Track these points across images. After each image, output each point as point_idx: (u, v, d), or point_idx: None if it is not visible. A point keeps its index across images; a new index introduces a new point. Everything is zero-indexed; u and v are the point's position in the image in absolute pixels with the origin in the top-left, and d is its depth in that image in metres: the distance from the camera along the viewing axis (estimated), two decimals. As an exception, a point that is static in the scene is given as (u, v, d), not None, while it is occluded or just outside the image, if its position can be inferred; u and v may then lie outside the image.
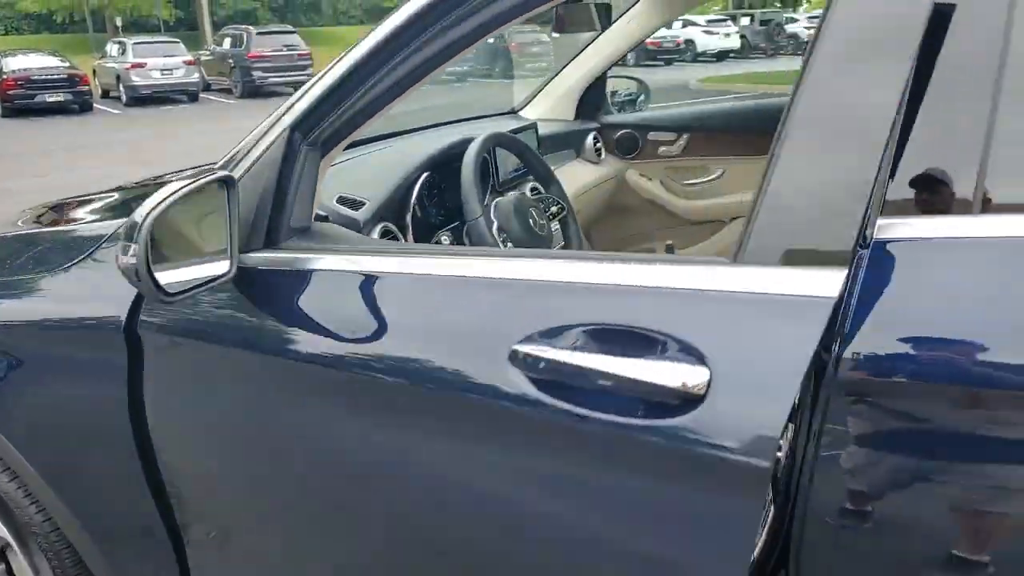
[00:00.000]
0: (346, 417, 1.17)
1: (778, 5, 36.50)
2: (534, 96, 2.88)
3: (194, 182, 1.13)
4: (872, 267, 0.84)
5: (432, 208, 1.83)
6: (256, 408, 1.27)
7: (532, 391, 0.96)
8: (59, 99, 17.27)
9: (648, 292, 0.95)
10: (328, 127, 1.28)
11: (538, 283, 1.04)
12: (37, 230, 1.80)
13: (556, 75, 2.84)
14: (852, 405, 0.85)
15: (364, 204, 1.65)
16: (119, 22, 29.62)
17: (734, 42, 27.13)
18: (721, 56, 27.10)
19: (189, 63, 19.78)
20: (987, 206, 0.83)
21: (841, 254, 0.84)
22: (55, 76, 17.39)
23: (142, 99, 19.00)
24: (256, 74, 20.44)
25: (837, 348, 0.83)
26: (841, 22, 0.89)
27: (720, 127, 2.66)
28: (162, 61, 19.29)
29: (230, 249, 1.16)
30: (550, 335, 0.97)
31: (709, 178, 2.67)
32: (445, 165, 1.91)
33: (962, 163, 0.83)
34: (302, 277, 1.21)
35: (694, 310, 0.92)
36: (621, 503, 0.95)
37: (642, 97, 3.10)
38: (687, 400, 0.87)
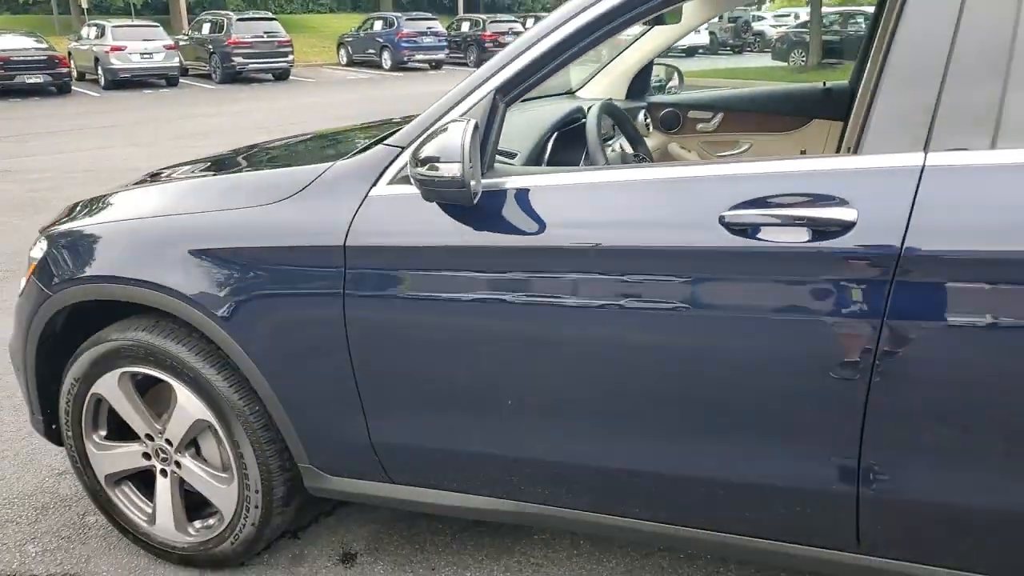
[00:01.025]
0: (576, 300, 1.55)
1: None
2: (590, 79, 3.26)
3: (464, 121, 1.51)
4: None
5: (560, 157, 2.22)
6: (470, 304, 1.63)
7: (739, 241, 1.41)
8: (38, 80, 17.16)
9: (810, 172, 1.41)
10: (518, 91, 1.66)
11: (730, 176, 1.47)
12: (241, 173, 2.14)
13: (611, 61, 3.23)
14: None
15: (516, 155, 2.02)
16: (84, 4, 29.09)
17: (704, 38, 27.71)
18: (691, 51, 27.67)
19: (169, 47, 19.70)
20: None
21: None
22: (35, 58, 17.25)
23: (120, 83, 18.91)
24: (236, 60, 20.43)
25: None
26: None
27: (749, 108, 3.07)
28: (142, 45, 19.18)
29: (476, 173, 1.51)
30: (747, 205, 1.41)
31: (738, 151, 3.08)
32: (566, 127, 2.32)
33: None
34: (523, 193, 1.59)
35: (843, 179, 1.36)
36: (806, 309, 1.40)
37: (675, 81, 3.51)
38: (846, 227, 1.33)
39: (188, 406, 2.01)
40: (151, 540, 2.24)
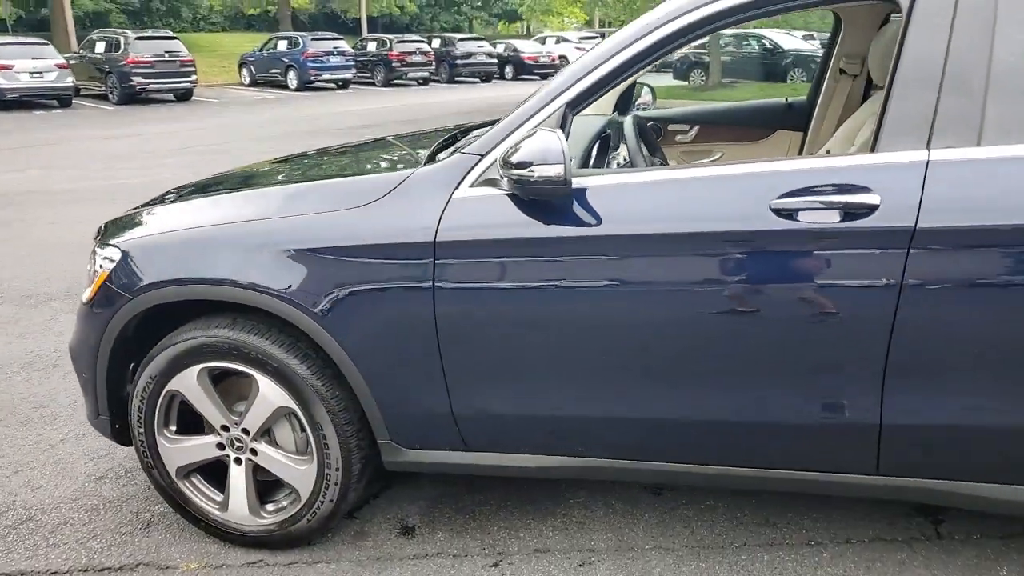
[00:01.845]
0: (650, 279, 1.87)
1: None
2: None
3: (552, 130, 1.82)
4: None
5: (601, 160, 2.53)
6: (544, 288, 1.92)
7: (784, 221, 1.77)
8: (-78, 101, 16.19)
9: (840, 168, 1.80)
10: (583, 105, 1.97)
11: (775, 171, 1.83)
12: (323, 180, 2.39)
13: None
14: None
15: (572, 159, 2.32)
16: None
17: (605, 58, 28.79)
18: (593, 71, 28.70)
19: (61, 66, 18.86)
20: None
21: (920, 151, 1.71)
22: (-82, 77, 16.27)
23: (7, 103, 18.01)
24: (136, 80, 19.77)
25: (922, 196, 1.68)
26: None
27: (721, 121, 3.49)
28: (31, 63, 18.30)
29: (564, 167, 1.80)
30: (791, 194, 1.77)
31: (712, 158, 3.49)
32: (604, 135, 2.65)
33: None
34: (601, 190, 1.90)
35: (867, 172, 1.74)
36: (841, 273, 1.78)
37: (647, 97, 3.90)
38: (872, 208, 1.71)
39: (271, 395, 2.20)
40: (223, 527, 2.39)
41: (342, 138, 12.62)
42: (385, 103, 19.56)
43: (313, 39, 23.87)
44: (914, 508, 2.43)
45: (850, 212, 1.73)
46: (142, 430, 2.36)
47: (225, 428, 2.30)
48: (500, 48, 27.97)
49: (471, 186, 2.00)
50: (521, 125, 1.99)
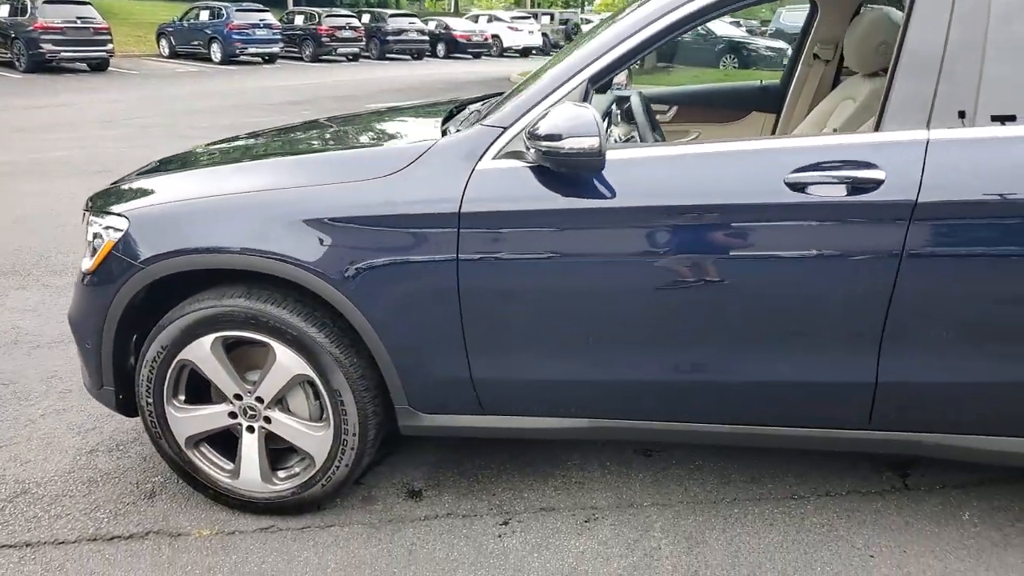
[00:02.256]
0: (670, 247, 1.99)
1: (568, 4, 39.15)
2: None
3: (581, 104, 1.90)
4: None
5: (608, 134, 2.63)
6: (569, 255, 2.02)
7: (796, 195, 1.91)
8: None
9: (848, 145, 1.94)
10: (604, 80, 2.07)
11: (789, 148, 1.97)
12: (341, 150, 2.42)
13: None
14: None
15: None
16: None
17: (537, 39, 28.96)
18: (526, 52, 28.82)
19: (-40, 31, 17.82)
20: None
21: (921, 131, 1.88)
22: None
23: (-97, 69, 16.90)
24: (46, 47, 18.76)
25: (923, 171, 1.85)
26: None
27: (698, 103, 3.63)
28: (-73, 28, 17.25)
29: (600, 140, 1.89)
30: (804, 169, 1.91)
31: (689, 138, 3.65)
32: (610, 111, 2.75)
33: None
34: (626, 163, 2.00)
35: (873, 150, 1.89)
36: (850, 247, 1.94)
37: (624, 79, 4.03)
38: (876, 183, 1.87)
39: (288, 363, 2.23)
40: (233, 494, 2.42)
41: (277, 114, 12.38)
42: (316, 79, 19.17)
43: (237, 10, 23.09)
44: (883, 463, 2.65)
45: (858, 187, 1.89)
46: (151, 400, 2.35)
47: (238, 397, 2.32)
48: (432, 26, 27.70)
49: (494, 158, 2.08)
50: (544, 98, 2.07)
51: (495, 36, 28.44)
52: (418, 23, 27.07)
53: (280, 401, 2.34)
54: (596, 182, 1.99)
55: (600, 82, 2.08)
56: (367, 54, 26.03)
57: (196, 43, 23.54)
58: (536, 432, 2.30)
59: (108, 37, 19.81)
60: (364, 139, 2.74)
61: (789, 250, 1.96)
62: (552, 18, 30.67)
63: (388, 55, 26.32)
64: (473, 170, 2.07)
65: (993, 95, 1.87)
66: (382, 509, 2.48)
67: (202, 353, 2.27)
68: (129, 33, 27.70)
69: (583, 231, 2.03)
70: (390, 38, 26.07)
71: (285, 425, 2.33)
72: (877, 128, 1.94)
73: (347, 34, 24.64)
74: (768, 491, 2.53)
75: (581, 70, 2.06)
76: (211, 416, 2.37)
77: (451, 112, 2.79)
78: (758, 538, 2.30)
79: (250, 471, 2.39)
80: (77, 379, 3.33)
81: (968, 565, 2.17)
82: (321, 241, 2.12)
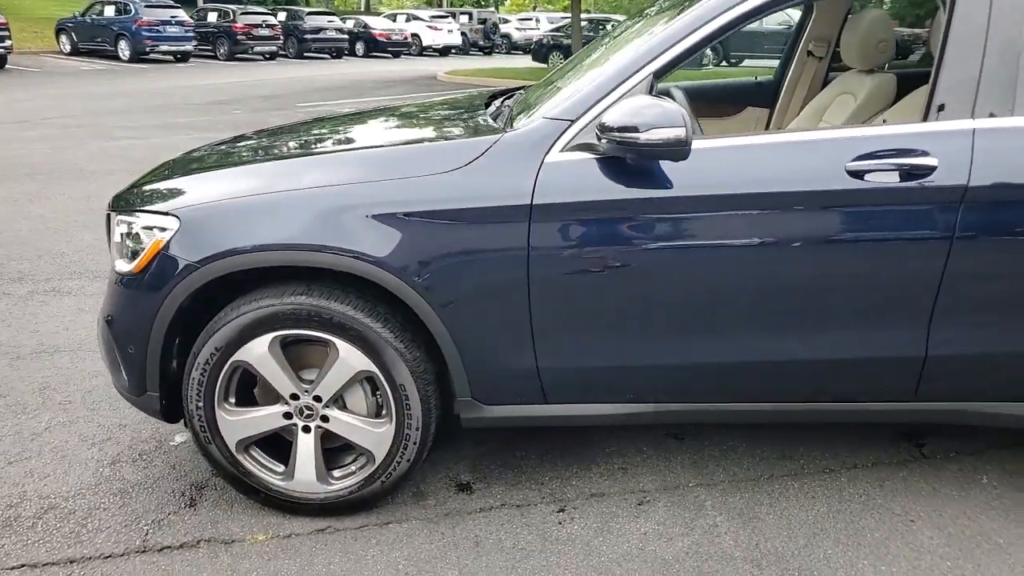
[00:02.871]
0: (743, 233, 2.09)
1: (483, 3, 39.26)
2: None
3: (657, 96, 1.95)
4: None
5: None
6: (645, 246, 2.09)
7: (857, 182, 2.03)
8: None
9: (904, 135, 2.07)
10: (667, 73, 2.14)
11: (848, 138, 2.10)
12: (406, 145, 2.45)
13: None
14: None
15: None
16: None
17: (456, 38, 28.92)
18: (445, 51, 28.76)
19: None
20: None
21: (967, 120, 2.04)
22: None
23: None
24: (-62, 43, 17.65)
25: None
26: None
27: (696, 97, 3.66)
28: None
29: (688, 130, 1.96)
30: (870, 157, 2.03)
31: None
32: None
33: None
34: (698, 154, 2.05)
35: (926, 139, 2.03)
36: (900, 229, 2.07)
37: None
38: (930, 169, 2.01)
39: (351, 359, 2.21)
40: (286, 497, 2.38)
41: (205, 114, 11.98)
42: (237, 78, 18.62)
43: (146, 5, 22.19)
44: (899, 435, 2.82)
45: (913, 173, 2.02)
46: (201, 404, 2.29)
47: (294, 397, 2.28)
48: (350, 24, 27.29)
49: (562, 150, 2.11)
50: (611, 92, 2.12)
51: (415, 35, 28.27)
52: (337, 21, 26.65)
53: (337, 399, 2.31)
54: (673, 171, 2.06)
55: (663, 76, 2.14)
56: (284, 53, 25.44)
57: (101, 40, 22.50)
58: (598, 419, 2.35)
59: (7, 33, 18.73)
60: (414, 134, 2.73)
61: (851, 233, 2.08)
62: (471, 17, 30.64)
63: (306, 54, 25.81)
64: (542, 163, 2.10)
65: None
66: (435, 504, 2.48)
67: (259, 353, 2.22)
68: (25, 28, 26.18)
69: (658, 220, 2.09)
70: (308, 36, 25.57)
71: (344, 423, 2.31)
72: (925, 118, 2.07)
73: (264, 32, 24.01)
74: (801, 467, 2.66)
75: (647, 64, 2.12)
76: (265, 418, 2.32)
77: (487, 104, 2.82)
78: (805, 511, 2.42)
79: (305, 472, 2.35)
80: (73, 389, 3.20)
81: (999, 523, 2.35)
82: (390, 236, 2.11)
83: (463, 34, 29.36)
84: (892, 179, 2.04)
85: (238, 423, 2.32)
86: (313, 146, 2.60)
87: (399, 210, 2.11)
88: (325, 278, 2.23)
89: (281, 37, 24.77)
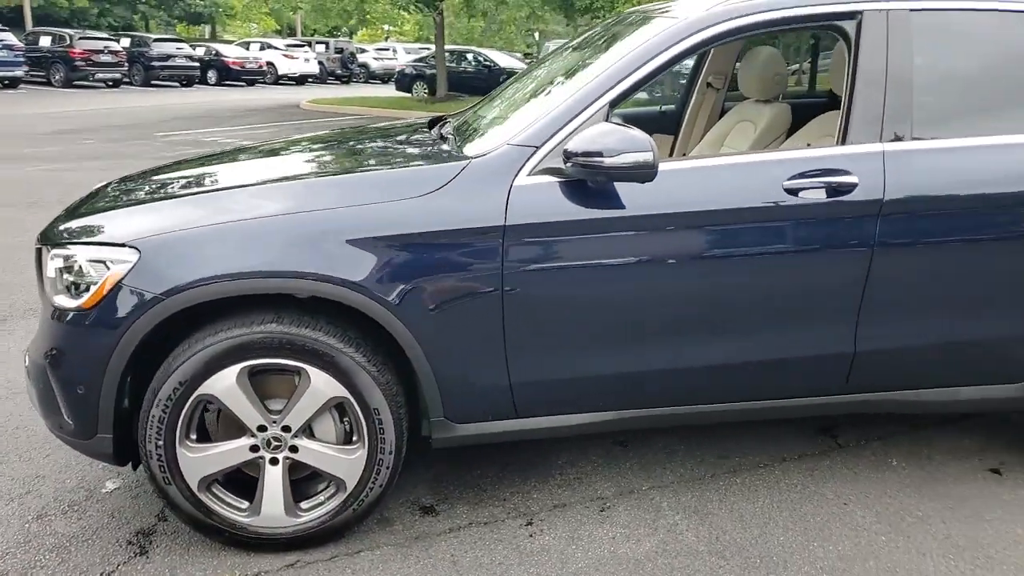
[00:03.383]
0: (694, 247, 2.27)
1: (340, 33, 38.86)
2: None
3: (616, 123, 2.09)
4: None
5: None
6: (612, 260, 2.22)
7: (791, 198, 2.25)
8: None
9: (829, 156, 2.33)
10: (622, 102, 2.30)
11: (784, 159, 2.33)
12: (370, 171, 2.47)
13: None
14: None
15: None
16: None
17: (314, 67, 28.49)
18: (302, 80, 28.24)
19: None
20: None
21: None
22: None
23: None
24: None
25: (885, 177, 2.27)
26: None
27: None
28: None
29: (654, 154, 2.10)
30: (802, 176, 2.25)
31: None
32: None
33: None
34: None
35: (847, 160, 2.28)
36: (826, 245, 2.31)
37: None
38: (853, 186, 2.26)
39: (323, 386, 2.19)
40: (252, 533, 2.30)
41: (53, 144, 11.14)
42: (80, 106, 17.48)
43: (-31, 29, 20.43)
44: (815, 429, 3.09)
45: (838, 189, 2.27)
46: (161, 443, 2.18)
47: (261, 428, 2.23)
48: (201, 51, 26.27)
49: (529, 174, 2.21)
50: (572, 119, 2.24)
51: (270, 63, 27.59)
52: (187, 48, 25.58)
53: (305, 429, 2.27)
54: (633, 193, 2.20)
55: (618, 105, 2.30)
56: (129, 80, 24.12)
57: (-87, 65, 20.44)
58: (564, 430, 2.44)
59: None
60: (378, 160, 2.74)
61: (789, 243, 2.30)
62: (327, 46, 30.28)
63: (154, 82, 24.58)
64: (511, 186, 2.19)
65: (921, 117, 2.35)
66: (403, 528, 2.48)
67: (226, 385, 2.16)
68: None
69: (620, 237, 2.23)
70: (156, 63, 24.37)
71: (314, 452, 2.27)
72: (843, 142, 2.33)
73: (106, 58, 22.65)
74: (737, 464, 2.86)
75: (603, 94, 2.26)
76: (231, 452, 2.24)
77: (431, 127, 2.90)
78: (751, 503, 2.61)
79: (273, 505, 2.28)
80: (-25, 442, 2.92)
81: (915, 499, 2.63)
82: (368, 260, 2.12)
83: (320, 63, 28.96)
84: (821, 195, 2.28)
85: (200, 460, 2.23)
86: (267, 174, 2.55)
87: (376, 234, 2.13)
88: (291, 305, 2.20)
89: (125, 64, 23.47)
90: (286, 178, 2.47)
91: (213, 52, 26.65)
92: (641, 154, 2.08)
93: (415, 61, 21.92)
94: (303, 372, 2.18)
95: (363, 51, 31.67)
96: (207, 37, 45.49)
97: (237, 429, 2.25)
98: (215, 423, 2.31)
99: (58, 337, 2.20)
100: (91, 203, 2.52)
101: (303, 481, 2.38)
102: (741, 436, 3.02)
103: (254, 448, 2.25)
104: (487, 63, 20.27)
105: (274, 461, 2.26)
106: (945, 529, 2.48)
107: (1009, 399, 2.55)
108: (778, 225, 2.30)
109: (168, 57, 24.58)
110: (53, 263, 2.24)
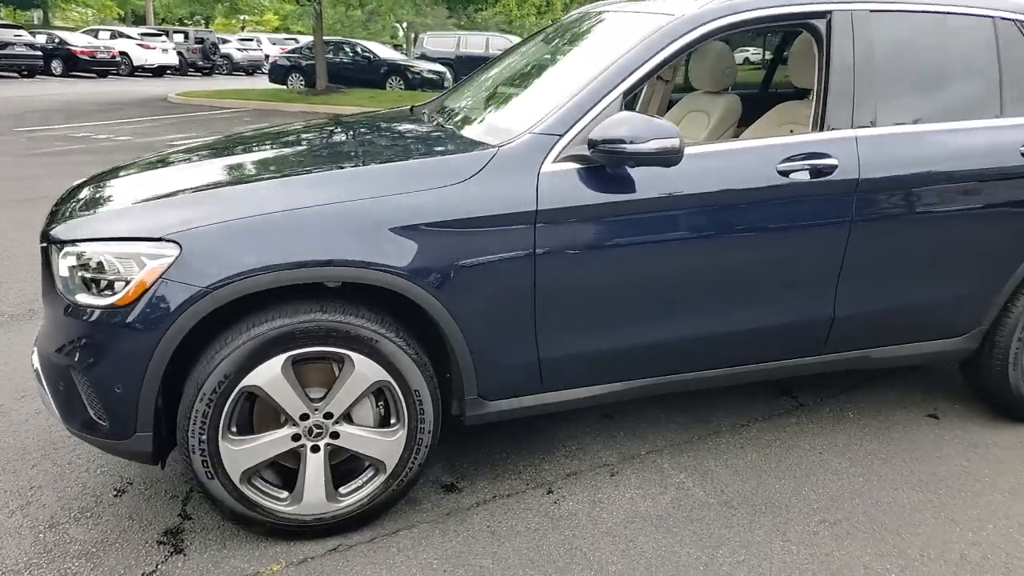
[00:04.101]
0: (707, 225, 2.47)
1: (195, 22, 36.98)
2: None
3: (636, 113, 2.26)
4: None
5: None
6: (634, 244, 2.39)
7: (784, 179, 2.50)
8: None
9: (813, 141, 2.60)
10: (634, 91, 2.47)
11: (778, 144, 2.57)
12: (405, 160, 2.51)
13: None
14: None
15: None
16: None
17: (172, 58, 26.98)
18: (160, 71, 26.71)
19: None
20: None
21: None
22: None
23: None
24: None
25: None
26: None
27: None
28: None
29: (681, 140, 2.26)
30: (792, 159, 2.50)
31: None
32: None
33: None
34: None
35: (828, 144, 2.57)
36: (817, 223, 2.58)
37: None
38: (833, 167, 2.55)
39: (367, 371, 2.24)
40: (294, 521, 2.32)
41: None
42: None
43: None
44: (776, 392, 3.41)
45: (822, 171, 2.55)
46: (204, 437, 2.16)
47: (303, 417, 2.25)
48: (42, 39, 24.26)
49: (554, 161, 2.35)
50: (589, 110, 2.39)
51: (123, 53, 25.88)
52: (27, 36, 23.54)
53: (345, 414, 2.31)
54: (651, 177, 2.38)
55: (631, 94, 2.47)
56: (-41, 70, 21.98)
57: None
58: (581, 401, 2.58)
59: None
60: (401, 149, 2.80)
61: (785, 220, 2.56)
62: (187, 36, 28.68)
63: (-10, 72, 22.51)
64: (539, 173, 2.32)
65: (882, 106, 2.67)
66: (431, 507, 2.56)
67: (270, 376, 2.17)
68: None
69: (640, 217, 2.40)
70: (-8, 52, 22.31)
71: (356, 436, 2.31)
72: (821, 129, 2.62)
73: (20, 49, 20.47)
74: (717, 427, 3.12)
75: (617, 85, 2.42)
76: (274, 442, 2.25)
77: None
78: (742, 459, 2.87)
79: (314, 493, 2.31)
80: (-56, 457, 2.74)
81: (877, 444, 2.99)
82: (410, 247, 2.19)
83: (179, 54, 27.44)
84: (806, 176, 2.55)
85: (244, 452, 2.23)
86: (290, 165, 2.55)
87: (418, 222, 2.21)
88: (328, 294, 2.24)
89: (-46, 53, 21.38)
90: (318, 169, 2.48)
91: (57, 40, 24.66)
92: (669, 140, 2.26)
93: (289, 52, 21.21)
94: (346, 358, 2.22)
95: (225, 41, 30.27)
96: (37, 23, 41.93)
97: (272, 420, 2.26)
98: (247, 415, 2.30)
99: (85, 336, 2.13)
100: (93, 200, 2.43)
101: (336, 468, 2.41)
102: (713, 402, 3.29)
103: (295, 437, 2.26)
104: (366, 54, 19.93)
105: (315, 448, 2.29)
106: (908, 467, 2.83)
107: (956, 350, 2.95)
108: (775, 203, 2.55)
109: (5, 45, 22.51)
110: (65, 261, 2.17)
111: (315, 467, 2.30)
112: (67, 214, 2.36)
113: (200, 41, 28.34)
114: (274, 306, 2.18)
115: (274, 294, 2.17)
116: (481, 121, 2.75)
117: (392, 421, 2.36)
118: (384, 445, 2.34)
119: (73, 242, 2.18)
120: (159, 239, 2.10)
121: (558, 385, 2.53)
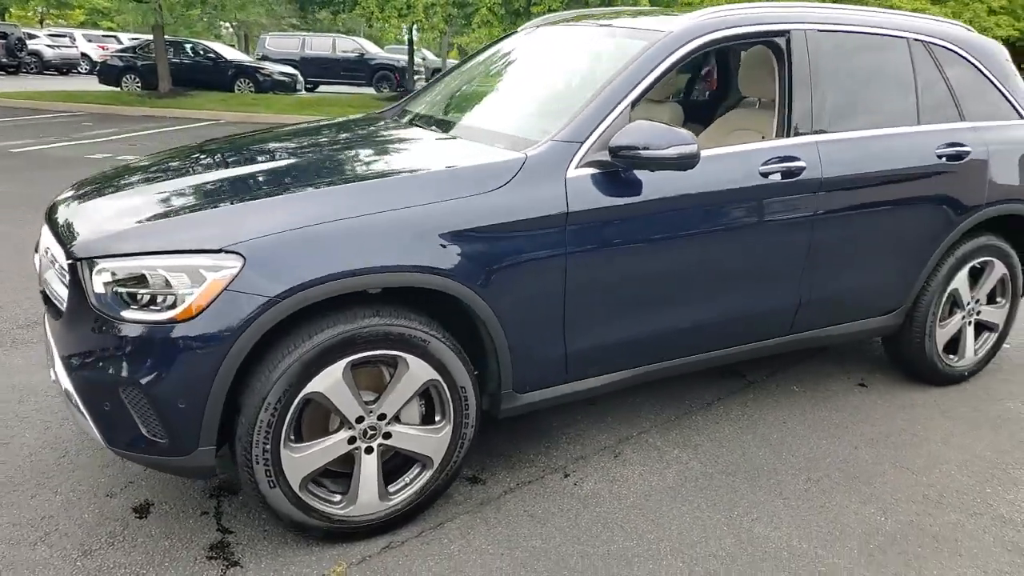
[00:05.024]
0: (711, 221, 2.75)
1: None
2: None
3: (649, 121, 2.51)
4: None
5: None
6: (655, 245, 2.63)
7: (765, 180, 2.83)
8: None
9: (785, 146, 2.94)
10: (639, 100, 2.70)
11: (758, 149, 2.88)
12: (447, 168, 2.53)
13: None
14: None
15: None
16: None
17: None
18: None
19: None
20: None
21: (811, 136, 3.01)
22: None
23: None
24: None
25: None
26: None
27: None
28: None
29: (697, 146, 2.50)
30: (769, 162, 2.84)
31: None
32: None
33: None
34: None
35: (795, 149, 2.95)
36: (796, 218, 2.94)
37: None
38: (802, 169, 2.93)
39: (419, 372, 2.33)
40: (348, 523, 2.36)
41: None
42: None
43: None
44: (726, 374, 3.77)
45: (793, 172, 2.90)
46: (268, 447, 2.16)
47: (359, 420, 2.29)
48: None
49: (577, 167, 2.53)
50: (604, 119, 2.59)
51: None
52: None
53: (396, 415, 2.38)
54: (661, 180, 2.62)
55: (637, 104, 2.69)
56: None
57: None
58: (599, 389, 2.78)
59: None
60: (418, 157, 2.87)
61: (763, 215, 2.89)
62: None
63: None
64: (565, 178, 2.50)
65: (833, 114, 3.08)
66: (463, 499, 2.66)
67: (331, 382, 2.21)
68: None
69: (655, 216, 2.63)
70: None
71: (407, 435, 2.38)
72: (788, 135, 2.97)
73: None
74: (688, 407, 3.43)
75: (626, 95, 2.64)
76: (331, 447, 2.28)
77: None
78: (722, 433, 3.19)
79: (368, 494, 2.36)
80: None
81: (826, 412, 3.41)
82: (457, 251, 2.30)
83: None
84: (779, 177, 2.89)
85: (303, 459, 2.24)
86: (337, 172, 2.59)
87: (464, 227, 2.32)
88: (373, 299, 2.30)
89: None
90: (362, 177, 2.53)
91: None
92: (687, 147, 2.50)
93: (122, 51, 19.70)
94: (400, 360, 2.29)
95: (34, 36, 27.57)
96: None
97: (320, 426, 2.30)
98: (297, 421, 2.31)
99: (140, 352, 2.06)
100: (118, 212, 2.35)
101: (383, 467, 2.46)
102: (672, 388, 3.58)
103: (351, 440, 2.30)
104: (210, 55, 18.91)
105: (369, 450, 2.34)
106: (859, 429, 3.27)
107: (889, 325, 3.44)
108: (758, 202, 2.87)
109: None
110: (100, 278, 2.10)
111: (369, 468, 2.35)
112: (86, 229, 2.26)
113: (3, 36, 25.63)
114: (332, 313, 2.21)
115: (333, 301, 2.21)
116: (489, 129, 2.89)
117: (437, 418, 2.45)
118: (432, 442, 2.43)
119: (109, 257, 2.10)
120: (219, 250, 2.08)
121: (579, 375, 2.71)
